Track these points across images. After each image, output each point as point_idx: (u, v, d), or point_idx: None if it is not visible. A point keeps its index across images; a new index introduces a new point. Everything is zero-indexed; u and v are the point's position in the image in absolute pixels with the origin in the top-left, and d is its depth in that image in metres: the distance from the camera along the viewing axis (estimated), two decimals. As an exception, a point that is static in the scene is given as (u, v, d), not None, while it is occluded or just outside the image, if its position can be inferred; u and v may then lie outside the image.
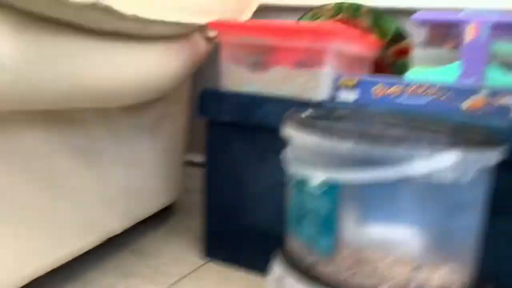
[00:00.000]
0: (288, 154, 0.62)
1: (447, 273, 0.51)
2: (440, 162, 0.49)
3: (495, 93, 0.73)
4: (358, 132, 0.52)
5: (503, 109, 0.73)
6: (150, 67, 0.86)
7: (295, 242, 0.58)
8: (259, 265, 0.89)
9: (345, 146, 0.51)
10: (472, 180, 0.50)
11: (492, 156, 0.51)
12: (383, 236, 0.51)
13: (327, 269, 0.53)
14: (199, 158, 1.44)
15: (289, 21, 1.22)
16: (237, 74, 0.91)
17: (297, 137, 0.58)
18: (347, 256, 0.52)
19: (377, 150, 0.50)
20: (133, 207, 0.99)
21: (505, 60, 0.85)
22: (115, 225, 0.93)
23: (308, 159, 0.57)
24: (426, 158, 0.49)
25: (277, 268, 0.58)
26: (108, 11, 0.68)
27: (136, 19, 0.75)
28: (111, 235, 0.91)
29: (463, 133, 0.59)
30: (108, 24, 0.72)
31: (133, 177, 0.98)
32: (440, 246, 0.52)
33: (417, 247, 0.50)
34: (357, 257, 0.51)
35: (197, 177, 1.40)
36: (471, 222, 0.53)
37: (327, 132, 0.53)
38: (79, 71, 0.70)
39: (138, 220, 1.01)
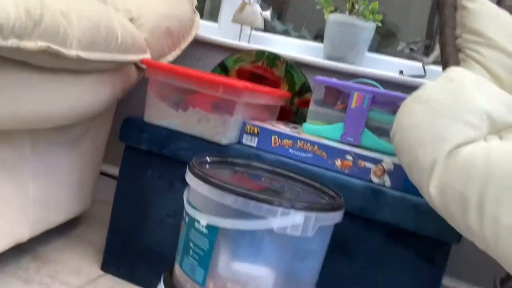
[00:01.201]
0: (187, 194, 0.77)
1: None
2: (293, 220, 0.66)
3: (359, 157, 0.94)
4: (238, 189, 0.68)
5: (365, 171, 0.94)
6: (82, 96, 0.97)
7: (178, 270, 0.74)
8: (153, 283, 1.02)
9: (228, 199, 0.68)
10: (314, 235, 0.68)
11: (331, 218, 0.69)
12: (244, 272, 0.67)
13: (198, 295, 0.69)
14: (114, 170, 1.53)
15: (208, 73, 1.36)
16: (159, 109, 1.04)
17: (194, 184, 0.73)
18: (214, 286, 0.68)
19: (251, 205, 0.67)
20: (44, 217, 1.05)
21: (377, 126, 1.06)
22: (24, 234, 0.99)
23: (200, 202, 0.72)
24: (283, 216, 0.66)
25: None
26: (56, 54, 0.78)
27: (78, 59, 0.85)
28: (19, 242, 0.97)
29: (317, 194, 0.78)
30: (52, 63, 0.83)
31: (48, 188, 1.06)
32: (284, 283, 0.69)
33: (268, 283, 0.67)
34: (222, 287, 0.67)
35: (109, 188, 1.49)
36: (311, 266, 0.71)
37: (216, 185, 0.69)
38: (16, 100, 0.80)
39: (46, 229, 1.07)
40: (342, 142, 1.04)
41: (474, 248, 1.17)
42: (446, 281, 1.23)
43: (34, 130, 0.98)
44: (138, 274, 1.04)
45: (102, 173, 1.51)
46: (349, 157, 0.94)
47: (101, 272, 1.06)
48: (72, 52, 0.82)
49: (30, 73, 0.81)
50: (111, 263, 1.06)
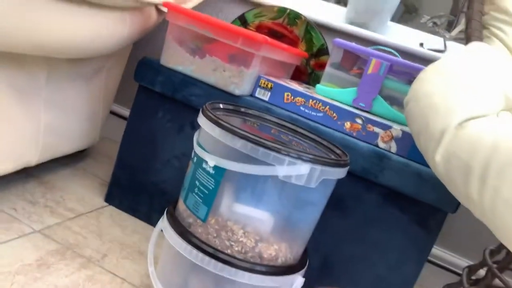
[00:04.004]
0: (197, 136, 0.79)
1: (281, 248, 0.72)
2: (298, 170, 0.68)
3: (368, 121, 0.95)
4: (249, 134, 0.70)
5: (372, 135, 0.95)
6: (102, 31, 0.97)
7: (182, 205, 0.76)
8: (153, 218, 1.05)
9: (238, 143, 0.69)
10: (317, 186, 0.70)
11: (335, 173, 0.71)
12: (244, 214, 0.70)
13: (199, 229, 0.71)
14: (124, 111, 1.55)
15: (229, 23, 1.35)
16: (176, 54, 1.05)
17: (206, 126, 0.74)
18: (215, 223, 0.70)
19: (260, 151, 0.68)
20: (53, 145, 1.08)
21: (390, 94, 1.06)
22: (33, 158, 1.02)
23: (210, 144, 0.74)
24: (290, 165, 0.68)
25: (163, 221, 0.76)
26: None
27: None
28: (27, 166, 1.00)
29: (324, 151, 0.80)
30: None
31: (59, 118, 1.08)
32: (282, 229, 0.72)
33: (265, 226, 0.70)
34: (222, 225, 0.70)
35: (118, 128, 1.51)
36: (310, 216, 0.74)
37: (228, 129, 0.70)
38: (37, 25, 0.81)
39: (54, 157, 1.10)
40: (353, 107, 1.05)
41: (465, 222, 1.20)
42: (434, 250, 1.26)
43: (51, 61, 0.99)
44: (140, 209, 1.08)
45: (113, 113, 1.53)
46: (359, 120, 0.95)
47: (105, 203, 1.09)
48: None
49: (53, 1, 0.82)
50: (115, 196, 1.10)
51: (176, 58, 1.05)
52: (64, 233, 0.92)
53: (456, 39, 1.21)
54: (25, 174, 1.08)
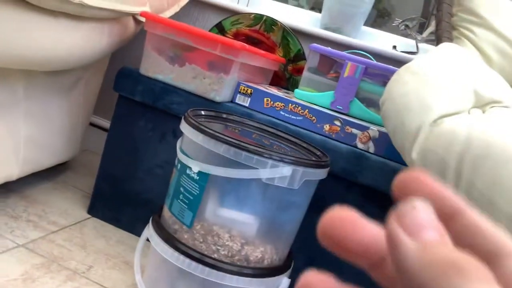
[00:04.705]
0: (180, 143, 0.79)
1: (267, 250, 0.74)
2: (281, 172, 0.70)
3: (346, 123, 0.97)
4: (232, 139, 0.71)
5: (351, 136, 0.97)
6: (79, 42, 0.97)
7: (167, 212, 0.77)
8: (137, 228, 1.05)
9: (221, 148, 0.70)
10: (299, 188, 0.71)
11: (317, 174, 0.73)
12: (229, 218, 0.71)
13: (185, 235, 0.72)
14: (104, 122, 1.54)
15: (207, 31, 1.36)
16: (156, 62, 1.05)
17: (189, 133, 0.75)
18: (201, 228, 0.71)
19: (243, 155, 0.69)
20: (33, 159, 1.07)
21: (366, 96, 1.09)
22: (14, 172, 1.01)
23: (193, 150, 0.75)
24: (272, 168, 0.69)
25: (149, 229, 0.76)
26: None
27: (80, 5, 0.86)
28: (7, 180, 0.99)
29: (305, 154, 0.81)
30: (53, 5, 0.83)
31: (39, 131, 1.07)
32: (267, 231, 0.74)
33: (250, 229, 0.71)
34: (208, 230, 0.71)
35: (98, 139, 1.50)
36: (293, 217, 0.75)
37: (211, 135, 0.71)
38: (14, 38, 0.81)
39: (35, 171, 1.09)
40: (331, 110, 1.07)
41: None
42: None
43: (28, 74, 0.99)
44: (124, 220, 1.07)
45: (92, 125, 1.52)
46: (337, 123, 0.98)
47: (88, 215, 1.09)
48: (75, -5, 0.82)
49: (30, 13, 0.82)
50: (98, 207, 1.09)
51: (156, 67, 1.05)
52: (48, 246, 0.92)
53: (427, 41, 1.25)
54: (6, 189, 1.07)
